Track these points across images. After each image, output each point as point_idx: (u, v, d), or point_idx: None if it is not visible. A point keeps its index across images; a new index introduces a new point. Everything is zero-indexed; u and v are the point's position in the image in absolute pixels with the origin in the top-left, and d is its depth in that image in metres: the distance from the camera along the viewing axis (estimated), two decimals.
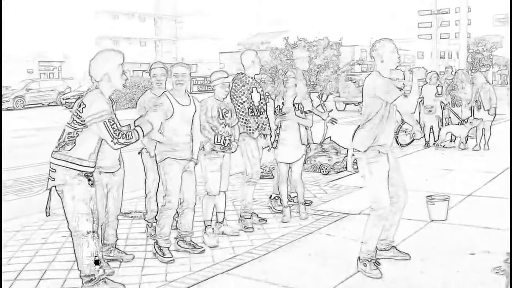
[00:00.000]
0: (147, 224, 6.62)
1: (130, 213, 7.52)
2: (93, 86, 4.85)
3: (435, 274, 5.26)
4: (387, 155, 5.29)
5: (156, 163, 5.85)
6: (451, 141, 13.09)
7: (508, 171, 9.54)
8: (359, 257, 5.34)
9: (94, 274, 4.83)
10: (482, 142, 12.52)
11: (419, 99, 13.64)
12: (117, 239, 5.82)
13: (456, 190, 8.33)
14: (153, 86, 6.50)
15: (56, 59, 53.44)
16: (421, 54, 71.15)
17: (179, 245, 6.02)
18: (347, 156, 10.35)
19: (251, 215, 6.94)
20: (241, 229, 6.77)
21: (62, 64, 54.20)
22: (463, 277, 5.16)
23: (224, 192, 6.59)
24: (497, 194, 8.11)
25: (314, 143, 10.08)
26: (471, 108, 12.63)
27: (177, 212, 5.94)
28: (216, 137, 6.21)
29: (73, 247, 4.84)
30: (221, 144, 6.29)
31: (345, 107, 26.18)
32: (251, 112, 6.72)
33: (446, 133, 12.91)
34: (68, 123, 4.75)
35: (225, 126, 6.35)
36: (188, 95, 5.86)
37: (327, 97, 11.61)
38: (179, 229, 6.04)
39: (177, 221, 6.13)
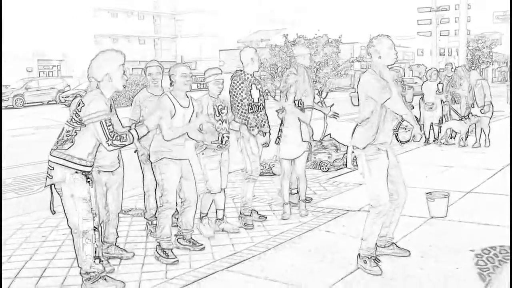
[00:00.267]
0: (147, 222, 6.63)
1: (130, 210, 7.52)
2: (91, 86, 4.85)
3: (435, 270, 5.26)
4: (386, 152, 5.29)
5: (151, 162, 5.80)
6: (451, 138, 13.09)
7: (508, 168, 9.54)
8: (359, 254, 5.34)
9: (94, 272, 4.84)
10: (482, 139, 12.50)
11: (420, 97, 13.66)
12: (118, 237, 5.82)
13: (456, 187, 8.33)
14: (149, 85, 6.50)
15: (55, 57, 53.38)
16: (421, 51, 71.15)
17: (179, 243, 6.02)
18: (347, 153, 10.32)
19: (251, 212, 6.95)
20: (241, 226, 6.78)
21: (61, 63, 54.15)
22: (463, 274, 5.16)
23: (223, 189, 6.61)
24: (497, 191, 8.12)
25: (314, 140, 10.07)
26: (470, 105, 12.62)
27: (176, 210, 5.95)
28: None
29: (73, 245, 4.84)
30: (218, 142, 6.29)
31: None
32: (250, 109, 6.72)
33: (446, 130, 12.91)
34: (67, 121, 4.75)
35: (222, 122, 6.36)
36: (187, 95, 5.84)
37: (326, 94, 11.59)
38: (179, 227, 6.04)
39: (177, 219, 6.13)
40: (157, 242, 5.73)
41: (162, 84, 6.57)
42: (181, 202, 5.89)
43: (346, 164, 10.33)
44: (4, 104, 34.02)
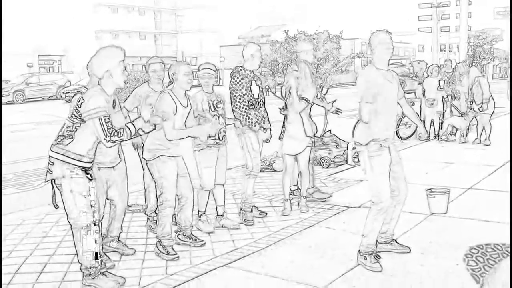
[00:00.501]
0: (148, 218, 6.64)
1: (131, 206, 7.52)
2: (92, 82, 4.84)
3: (435, 267, 5.26)
4: (388, 148, 5.29)
5: (146, 160, 5.76)
6: (451, 134, 13.09)
7: (509, 164, 9.54)
8: (359, 250, 5.34)
9: (94, 267, 4.84)
10: (482, 136, 12.48)
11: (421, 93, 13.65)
12: (121, 232, 5.82)
13: (457, 183, 8.33)
14: (151, 80, 6.47)
15: (56, 53, 53.34)
16: (422, 47, 71.03)
17: (179, 239, 6.02)
18: (347, 149, 10.35)
19: (252, 208, 6.95)
20: (241, 222, 6.78)
21: (62, 58, 54.10)
22: (463, 270, 5.16)
23: (223, 185, 6.61)
24: (497, 188, 8.11)
25: (315, 137, 10.06)
26: (469, 102, 12.60)
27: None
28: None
29: (73, 240, 4.85)
30: (215, 138, 6.28)
31: None
32: (251, 105, 6.71)
33: (448, 126, 12.90)
34: (68, 117, 4.75)
35: (218, 117, 6.34)
36: (185, 94, 5.82)
37: (327, 90, 11.58)
38: (179, 224, 6.04)
39: (175, 216, 6.12)
40: (158, 238, 5.73)
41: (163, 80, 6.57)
42: (178, 199, 5.87)
43: (346, 161, 10.34)
44: (4, 99, 34.02)
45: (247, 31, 69.55)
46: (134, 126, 4.86)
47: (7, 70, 40.82)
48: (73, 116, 4.69)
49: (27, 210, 7.62)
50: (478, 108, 12.25)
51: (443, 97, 13.10)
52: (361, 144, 5.29)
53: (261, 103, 6.85)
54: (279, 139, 7.18)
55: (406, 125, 13.15)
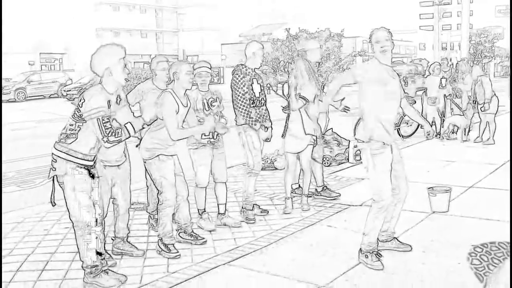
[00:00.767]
0: (149, 216, 6.64)
1: (133, 204, 7.52)
2: (96, 80, 4.85)
3: (436, 265, 5.26)
4: (391, 146, 5.28)
5: (144, 159, 5.73)
6: (453, 133, 13.08)
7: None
8: (360, 248, 5.34)
9: (95, 266, 4.85)
10: (485, 135, 12.44)
11: (423, 91, 13.63)
12: (129, 233, 5.80)
13: (458, 182, 8.32)
14: (156, 78, 6.41)
15: (57, 51, 53.38)
16: (423, 46, 71.00)
17: (180, 237, 6.02)
18: (348, 147, 10.34)
19: (253, 207, 6.95)
20: (242, 221, 6.78)
21: (63, 56, 54.15)
22: (464, 269, 5.16)
23: (225, 183, 6.61)
24: (498, 186, 8.11)
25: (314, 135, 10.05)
26: (472, 100, 12.58)
27: None
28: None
29: (75, 238, 4.85)
30: (209, 138, 6.28)
31: None
32: (252, 104, 6.71)
33: (449, 124, 12.89)
34: (71, 116, 4.75)
35: (213, 115, 6.32)
36: (185, 94, 5.80)
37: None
38: (178, 223, 6.04)
39: (174, 214, 6.11)
40: (159, 237, 5.73)
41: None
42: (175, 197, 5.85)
43: (348, 159, 10.34)
44: (6, 97, 34.06)
45: (248, 29, 69.56)
46: (133, 127, 4.85)
47: (9, 68, 40.88)
48: (75, 115, 4.69)
49: (29, 208, 7.63)
50: (480, 108, 12.23)
51: (445, 95, 13.09)
52: (363, 142, 5.29)
53: (263, 101, 6.85)
54: (282, 137, 7.18)
55: (407, 123, 13.14)
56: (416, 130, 13.35)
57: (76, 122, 4.69)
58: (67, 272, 5.31)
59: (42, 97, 35.89)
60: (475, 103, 12.37)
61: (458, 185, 8.09)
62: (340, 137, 10.67)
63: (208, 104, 6.29)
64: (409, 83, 27.03)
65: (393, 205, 5.43)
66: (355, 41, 52.48)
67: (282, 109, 7.18)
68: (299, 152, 7.19)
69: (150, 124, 5.08)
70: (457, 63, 13.76)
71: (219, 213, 6.69)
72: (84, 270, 4.89)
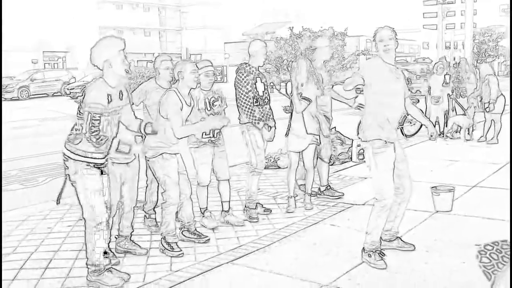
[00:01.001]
0: (145, 215, 6.60)
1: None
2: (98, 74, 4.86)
3: (439, 265, 5.26)
4: (393, 145, 5.27)
5: (147, 158, 5.70)
6: (456, 132, 13.05)
7: None
8: (363, 247, 5.33)
9: (100, 264, 4.85)
10: (490, 134, 12.40)
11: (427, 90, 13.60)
12: (132, 231, 5.80)
13: (461, 181, 8.31)
14: (160, 77, 6.38)
15: (61, 49, 53.43)
16: (426, 45, 70.92)
17: (184, 235, 6.03)
18: (352, 146, 10.33)
19: (256, 205, 6.95)
20: (245, 219, 6.78)
21: (67, 54, 54.20)
22: (468, 268, 5.15)
23: (228, 180, 6.60)
24: (502, 185, 8.09)
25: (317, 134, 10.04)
26: (478, 99, 12.53)
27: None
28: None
29: (84, 235, 4.85)
30: (209, 136, 6.28)
31: None
32: (256, 102, 6.71)
33: (453, 124, 12.86)
34: (76, 115, 4.76)
35: (214, 115, 6.32)
36: (189, 93, 5.77)
37: (332, 87, 11.55)
38: (182, 221, 6.04)
39: (177, 213, 6.10)
40: (162, 235, 5.73)
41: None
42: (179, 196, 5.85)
43: (351, 158, 10.33)
44: (9, 95, 34.15)
45: (251, 28, 69.57)
46: (117, 144, 4.83)
47: (12, 67, 40.97)
48: (79, 113, 4.70)
49: (32, 206, 7.64)
50: (485, 108, 12.19)
51: (448, 94, 13.07)
52: (366, 141, 5.28)
53: (266, 100, 6.84)
54: (286, 136, 7.17)
55: (411, 123, 13.12)
56: (419, 129, 13.32)
57: (79, 120, 4.69)
58: (71, 270, 5.31)
59: (45, 95, 35.95)
60: (481, 101, 12.32)
61: (461, 184, 8.08)
62: (344, 136, 10.67)
63: (210, 104, 6.29)
64: (422, 82, 27.01)
65: (397, 205, 5.42)
66: (359, 40, 52.44)
67: (284, 109, 7.16)
68: (301, 151, 7.18)
69: (146, 133, 5.11)
70: (459, 62, 13.71)
71: (222, 211, 6.70)
72: (88, 267, 4.89)
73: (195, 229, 6.09)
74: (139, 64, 44.74)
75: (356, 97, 7.83)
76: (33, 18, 48.03)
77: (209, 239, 6.03)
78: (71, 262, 5.50)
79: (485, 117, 12.41)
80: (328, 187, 7.81)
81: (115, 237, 5.71)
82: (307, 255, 5.59)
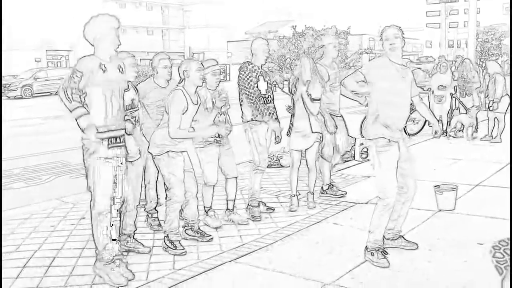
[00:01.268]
0: (147, 215, 6.61)
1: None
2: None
3: (442, 263, 5.25)
4: (398, 144, 5.27)
5: (153, 155, 5.70)
6: (459, 131, 13.03)
7: None
8: (366, 246, 5.33)
9: (107, 253, 4.87)
10: (494, 133, 12.37)
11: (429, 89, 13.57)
12: (135, 230, 5.81)
13: (464, 180, 8.30)
14: (158, 76, 6.37)
15: (64, 48, 53.45)
16: (429, 43, 70.78)
17: (187, 234, 6.03)
18: (354, 145, 10.32)
19: (259, 204, 6.95)
20: (248, 218, 6.78)
21: (70, 53, 54.20)
22: (471, 267, 5.15)
23: (236, 178, 6.59)
24: (505, 184, 8.07)
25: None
26: (485, 96, 12.50)
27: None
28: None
29: (91, 223, 4.90)
30: (215, 137, 6.27)
31: None
32: (259, 100, 6.70)
33: (456, 122, 12.84)
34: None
35: (220, 114, 6.33)
36: (196, 91, 5.76)
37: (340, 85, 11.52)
38: (186, 219, 6.04)
39: (181, 211, 6.12)
40: (165, 234, 5.74)
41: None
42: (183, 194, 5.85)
43: (354, 156, 10.32)
44: (12, 94, 34.19)
45: (254, 27, 69.56)
46: (85, 125, 4.74)
47: (16, 65, 40.99)
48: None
49: (35, 204, 7.65)
50: (488, 107, 12.16)
51: (451, 93, 13.04)
52: (369, 139, 5.28)
53: (269, 98, 6.83)
54: (287, 135, 7.16)
55: (413, 121, 13.11)
56: (422, 128, 13.30)
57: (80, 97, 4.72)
58: (74, 268, 5.32)
59: (48, 94, 35.93)
60: (486, 97, 12.28)
61: (464, 183, 8.07)
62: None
63: (215, 103, 6.28)
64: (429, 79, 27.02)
65: (400, 204, 5.42)
66: (362, 38, 52.38)
67: (287, 109, 7.13)
68: (306, 150, 7.17)
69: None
70: (462, 61, 13.68)
71: (227, 209, 6.69)
72: (96, 255, 4.91)
73: (199, 227, 6.09)
74: (142, 63, 44.74)
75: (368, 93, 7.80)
76: (36, 17, 48.07)
77: (212, 238, 6.03)
78: (74, 260, 5.51)
79: (488, 116, 12.39)
80: (331, 186, 7.82)
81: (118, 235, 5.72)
82: (310, 254, 5.59)
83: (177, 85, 5.72)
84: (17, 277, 5.13)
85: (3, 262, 5.41)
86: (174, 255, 5.58)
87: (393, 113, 5.23)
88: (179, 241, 5.70)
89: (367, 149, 5.50)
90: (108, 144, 4.78)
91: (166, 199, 5.72)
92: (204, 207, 6.56)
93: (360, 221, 6.49)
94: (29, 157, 11.84)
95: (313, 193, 7.32)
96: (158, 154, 5.62)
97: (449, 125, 13.03)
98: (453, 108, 13.13)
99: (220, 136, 6.33)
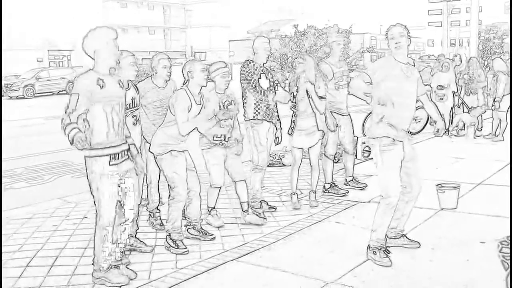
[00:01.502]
0: (150, 214, 6.61)
1: None
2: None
3: (445, 262, 5.25)
4: (402, 143, 5.25)
5: (155, 154, 5.70)
6: (462, 129, 13.01)
7: None
8: (368, 245, 5.33)
9: (102, 265, 4.86)
10: (497, 131, 12.35)
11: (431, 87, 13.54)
12: (138, 229, 5.81)
13: (467, 179, 8.29)
14: (158, 76, 6.34)
15: (66, 47, 53.50)
16: (431, 42, 70.71)
17: (189, 233, 6.04)
18: (357, 144, 10.30)
19: (260, 203, 6.94)
20: (264, 217, 6.68)
21: (72, 53, 54.25)
22: (473, 266, 5.15)
23: (244, 181, 6.50)
24: (507, 183, 8.06)
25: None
26: (487, 94, 12.48)
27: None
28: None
29: (94, 234, 4.87)
30: (220, 139, 6.24)
31: None
32: (260, 99, 6.71)
33: (458, 121, 12.81)
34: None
35: (227, 119, 6.30)
36: (199, 92, 5.75)
37: (348, 84, 11.51)
38: (188, 218, 6.05)
39: (184, 210, 6.11)
40: (168, 233, 5.74)
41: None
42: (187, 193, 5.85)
43: (356, 155, 10.29)
44: (14, 94, 34.22)
45: (256, 26, 69.51)
46: (74, 137, 4.70)
47: (18, 65, 41.02)
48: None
49: (37, 204, 7.66)
50: (491, 106, 12.14)
51: (453, 91, 13.02)
52: (373, 138, 5.27)
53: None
54: (288, 133, 7.15)
55: (415, 120, 13.08)
56: (424, 126, 13.28)
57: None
58: (76, 267, 5.33)
59: (50, 93, 35.99)
60: (488, 95, 12.25)
61: (466, 182, 8.06)
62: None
63: (225, 108, 6.24)
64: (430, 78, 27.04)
65: (404, 203, 5.41)
66: (363, 37, 52.32)
67: (291, 108, 7.12)
68: (309, 148, 7.16)
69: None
70: (469, 60, 13.64)
71: (242, 211, 6.61)
72: (93, 264, 4.90)
73: (201, 226, 6.09)
74: (143, 63, 44.75)
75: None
76: (38, 17, 48.11)
77: (214, 237, 6.03)
78: (76, 260, 5.51)
79: (492, 115, 12.37)
80: (333, 185, 7.81)
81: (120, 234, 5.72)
82: (312, 253, 5.59)
83: (182, 86, 5.72)
84: (19, 277, 5.13)
85: (6, 261, 5.42)
86: (177, 254, 5.59)
87: (399, 113, 5.22)
88: (181, 240, 5.70)
89: (369, 148, 5.48)
90: (110, 161, 4.75)
91: (169, 198, 5.72)
92: (208, 207, 6.55)
93: (363, 219, 6.49)
94: (31, 157, 11.85)
95: (315, 192, 7.32)
96: (160, 154, 5.62)
97: (451, 123, 13.01)
98: (455, 105, 13.11)
99: (227, 140, 6.29)
